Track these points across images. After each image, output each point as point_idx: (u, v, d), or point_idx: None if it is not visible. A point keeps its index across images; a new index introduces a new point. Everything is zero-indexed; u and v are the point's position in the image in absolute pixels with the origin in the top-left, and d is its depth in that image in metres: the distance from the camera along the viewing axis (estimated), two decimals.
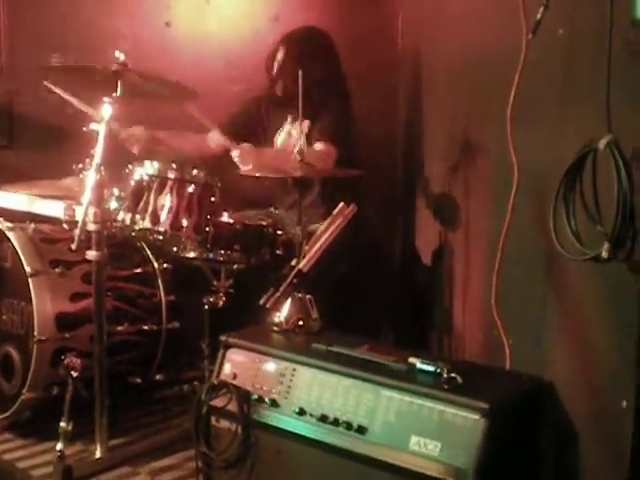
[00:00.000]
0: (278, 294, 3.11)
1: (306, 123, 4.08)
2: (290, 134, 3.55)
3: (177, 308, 3.90)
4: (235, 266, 3.63)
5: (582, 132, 2.60)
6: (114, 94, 3.35)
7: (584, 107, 2.72)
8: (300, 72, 3.35)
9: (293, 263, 3.25)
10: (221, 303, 3.65)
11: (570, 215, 2.52)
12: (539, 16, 2.76)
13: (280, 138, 4.23)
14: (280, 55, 4.17)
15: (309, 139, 3.98)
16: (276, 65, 4.19)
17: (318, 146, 3.92)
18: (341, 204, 3.51)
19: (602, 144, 2.40)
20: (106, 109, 3.32)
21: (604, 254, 2.39)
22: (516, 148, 2.96)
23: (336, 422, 2.67)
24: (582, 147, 2.49)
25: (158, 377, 3.90)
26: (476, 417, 2.41)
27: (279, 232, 3.61)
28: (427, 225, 4.30)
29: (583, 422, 2.75)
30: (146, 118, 3.98)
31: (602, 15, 2.49)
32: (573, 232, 2.51)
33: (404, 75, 4.64)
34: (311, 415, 2.73)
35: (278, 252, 3.61)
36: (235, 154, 3.71)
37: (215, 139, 3.98)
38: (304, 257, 3.21)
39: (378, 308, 4.33)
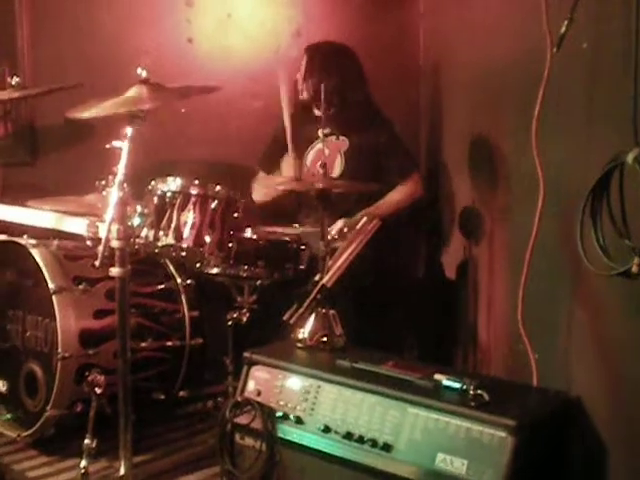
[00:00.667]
0: (302, 310, 3.10)
1: (344, 141, 4.13)
2: (322, 151, 3.56)
3: (200, 324, 3.88)
4: (258, 282, 3.61)
5: (608, 146, 2.58)
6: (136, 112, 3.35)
7: (610, 121, 2.69)
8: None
9: (317, 278, 3.23)
10: (245, 319, 3.63)
11: (598, 229, 2.50)
12: (563, 29, 2.73)
13: (310, 155, 4.24)
14: (304, 61, 4.22)
15: (347, 157, 4.16)
16: (300, 73, 4.24)
17: (408, 182, 4.16)
18: (364, 218, 3.52)
19: (630, 158, 2.37)
20: (128, 127, 3.31)
21: (634, 269, 2.36)
22: (542, 162, 2.93)
23: (361, 439, 2.65)
24: (609, 161, 2.47)
25: (182, 393, 3.89)
26: (503, 434, 2.39)
27: (303, 247, 3.60)
28: (451, 238, 4.28)
29: (611, 438, 2.71)
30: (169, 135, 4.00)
31: (627, 28, 2.46)
32: (601, 247, 2.49)
33: (425, 87, 4.63)
34: (336, 432, 2.72)
35: (302, 267, 3.59)
36: None
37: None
38: (328, 272, 3.20)
39: (401, 322, 4.31)
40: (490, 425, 2.43)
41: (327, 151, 3.51)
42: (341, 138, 4.19)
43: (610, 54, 2.74)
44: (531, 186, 3.00)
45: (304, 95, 4.24)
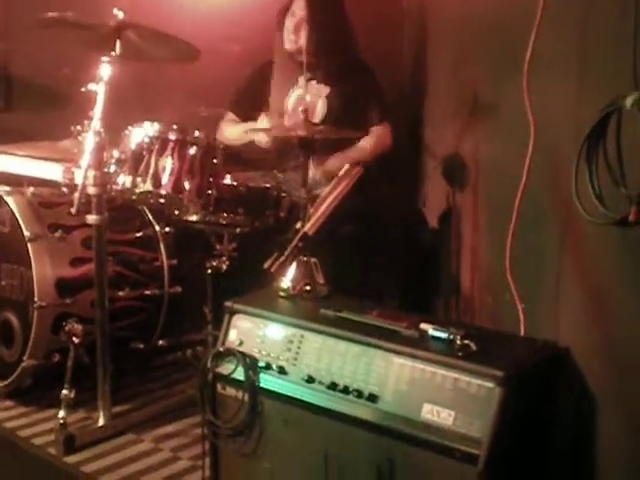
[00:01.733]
0: (283, 258, 3.04)
1: (325, 88, 4.06)
2: (302, 97, 3.48)
3: (179, 272, 3.86)
4: (238, 229, 3.55)
5: (604, 90, 2.50)
6: (113, 53, 3.27)
7: (607, 63, 2.60)
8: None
9: (298, 226, 3.18)
10: (224, 267, 3.58)
11: (593, 177, 2.44)
12: None
13: (290, 101, 4.16)
14: (298, 8, 4.08)
15: (329, 102, 4.08)
16: (291, 18, 4.11)
17: (376, 130, 4.09)
18: (347, 165, 3.46)
19: (628, 102, 2.30)
20: (105, 69, 3.24)
21: (631, 217, 2.31)
22: (533, 107, 2.85)
23: (346, 390, 2.60)
24: (606, 106, 2.40)
25: (161, 342, 3.87)
26: (491, 385, 2.35)
27: (283, 195, 3.54)
28: (434, 186, 4.22)
29: (601, 389, 2.67)
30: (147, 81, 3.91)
31: None
32: (596, 195, 2.43)
33: (409, 31, 4.52)
34: (320, 383, 2.66)
35: (282, 215, 3.53)
36: None
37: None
38: (309, 220, 3.15)
39: (382, 270, 4.27)
40: (478, 375, 2.38)
41: (308, 97, 3.43)
42: (322, 84, 4.12)
43: None
44: (520, 132, 2.91)
45: (293, 45, 4.12)
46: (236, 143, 4.02)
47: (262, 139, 4.04)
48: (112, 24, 3.28)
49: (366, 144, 4.08)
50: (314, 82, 4.07)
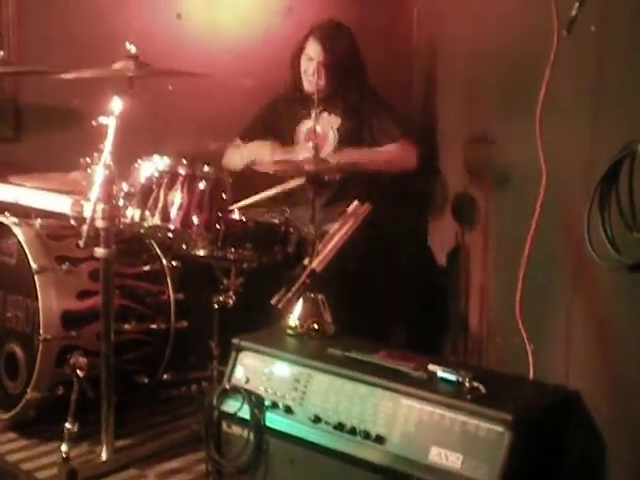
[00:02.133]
0: (290, 294, 3.03)
1: (336, 120, 4.07)
2: (313, 130, 3.48)
3: (186, 307, 3.82)
4: (246, 265, 3.53)
5: (616, 135, 2.50)
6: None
7: (621, 107, 2.60)
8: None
9: (306, 262, 3.17)
10: (231, 302, 3.56)
11: (605, 222, 2.42)
12: (574, 12, 2.60)
13: (302, 133, 4.17)
14: (314, 51, 4.10)
15: (340, 133, 4.13)
16: (308, 62, 4.13)
17: (400, 144, 4.07)
18: (355, 202, 3.45)
19: None
20: (116, 103, 3.24)
21: None
22: (545, 150, 2.85)
23: (353, 431, 2.58)
24: (619, 151, 2.39)
25: (165, 377, 3.83)
26: (500, 429, 2.33)
27: (291, 230, 3.52)
28: (444, 224, 4.21)
29: (611, 434, 2.66)
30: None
31: (637, 9, 2.38)
32: (609, 240, 2.42)
33: (419, 71, 4.54)
34: (327, 423, 2.65)
35: (290, 251, 3.52)
36: None
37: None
38: (317, 256, 3.13)
39: (389, 308, 4.25)
40: (487, 419, 2.36)
41: (319, 127, 3.44)
42: (332, 115, 4.14)
43: (620, 37, 2.66)
44: (532, 175, 2.92)
45: (314, 87, 4.08)
46: (237, 168, 4.04)
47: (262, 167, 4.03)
48: (128, 72, 3.29)
49: (391, 149, 4.08)
50: (325, 114, 4.09)
